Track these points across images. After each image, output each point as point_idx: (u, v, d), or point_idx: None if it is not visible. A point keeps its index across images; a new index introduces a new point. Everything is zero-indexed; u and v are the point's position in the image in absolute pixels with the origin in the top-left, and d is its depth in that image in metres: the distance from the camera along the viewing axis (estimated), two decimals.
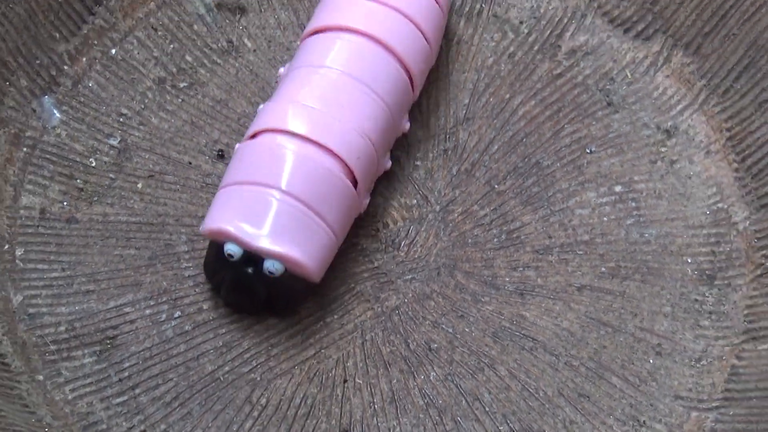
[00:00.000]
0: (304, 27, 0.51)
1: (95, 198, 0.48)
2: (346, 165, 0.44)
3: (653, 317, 0.46)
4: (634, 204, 0.48)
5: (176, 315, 0.45)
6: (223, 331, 0.45)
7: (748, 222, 0.48)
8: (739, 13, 0.50)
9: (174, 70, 0.50)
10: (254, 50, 0.51)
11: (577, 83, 0.51)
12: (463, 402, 0.45)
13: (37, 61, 0.49)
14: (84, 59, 0.50)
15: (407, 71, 0.46)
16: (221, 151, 0.49)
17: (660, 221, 0.48)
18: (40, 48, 0.49)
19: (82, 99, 0.49)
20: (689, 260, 0.47)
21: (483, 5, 0.52)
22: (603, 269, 0.47)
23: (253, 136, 0.44)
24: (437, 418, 0.44)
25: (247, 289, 0.44)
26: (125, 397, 0.44)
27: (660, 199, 0.49)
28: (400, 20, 0.46)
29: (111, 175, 0.48)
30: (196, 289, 0.46)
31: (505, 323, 0.46)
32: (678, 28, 0.51)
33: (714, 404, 0.45)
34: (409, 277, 0.47)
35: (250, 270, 0.43)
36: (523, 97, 0.50)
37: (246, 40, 0.51)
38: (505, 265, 0.47)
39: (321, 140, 0.43)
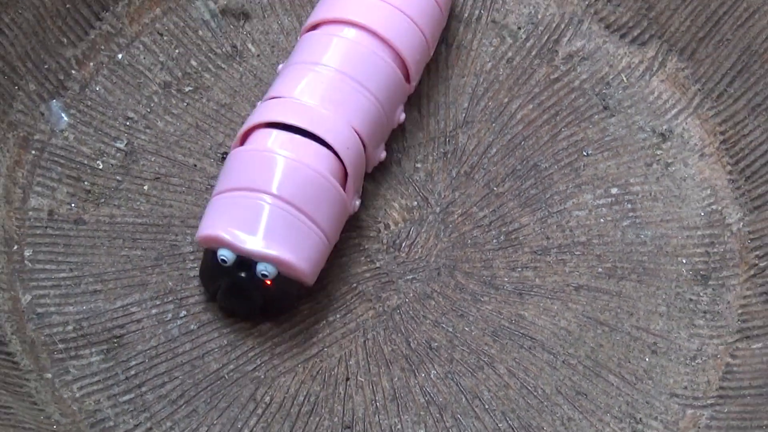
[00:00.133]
0: None
1: (102, 200, 0.48)
2: (336, 156, 0.44)
3: (649, 316, 0.46)
4: (630, 206, 0.49)
5: (182, 314, 0.45)
6: (228, 330, 0.45)
7: (741, 223, 0.48)
8: (733, 19, 0.50)
9: (179, 74, 0.50)
10: (258, 55, 0.51)
11: (574, 87, 0.51)
12: (463, 400, 0.44)
13: (46, 66, 0.49)
14: (91, 64, 0.50)
15: (402, 62, 0.46)
16: (225, 153, 0.49)
17: (655, 222, 0.48)
18: (49, 53, 0.49)
19: (89, 103, 0.49)
20: (684, 261, 0.47)
21: (482, 11, 0.52)
22: (600, 269, 0.47)
23: (246, 133, 0.44)
24: (438, 415, 0.44)
25: (243, 294, 0.44)
26: (132, 395, 0.44)
27: (655, 201, 0.49)
28: (396, 14, 0.46)
29: (118, 178, 0.48)
30: (201, 289, 0.46)
31: (504, 322, 0.46)
32: (673, 34, 0.51)
33: (709, 402, 0.45)
34: (410, 277, 0.47)
35: (243, 274, 0.43)
36: (521, 101, 0.51)
37: (250, 45, 0.51)
38: (504, 266, 0.47)
39: (311, 129, 0.43)
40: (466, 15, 0.52)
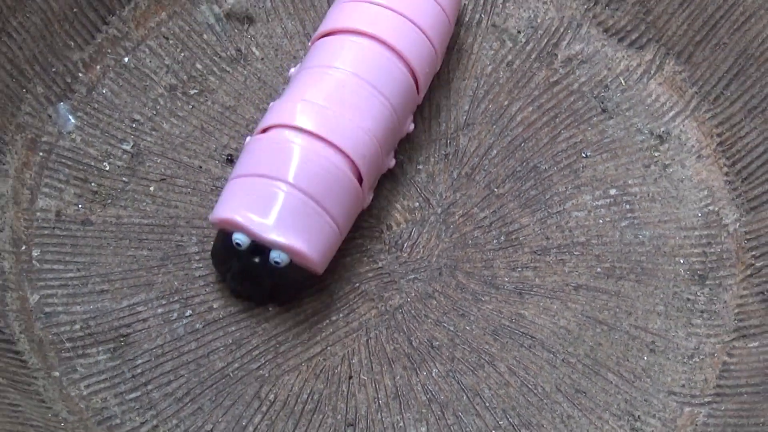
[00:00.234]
0: (310, 36, 0.51)
1: (109, 201, 0.48)
2: (351, 161, 0.44)
3: (647, 316, 0.46)
4: (628, 206, 0.49)
5: (187, 314, 0.45)
6: (233, 329, 0.45)
7: (738, 224, 0.48)
8: (729, 23, 0.50)
9: (185, 77, 0.50)
10: (262, 58, 0.51)
11: (573, 90, 0.51)
12: (465, 397, 0.44)
13: (53, 69, 0.49)
14: (98, 67, 0.50)
15: (413, 74, 0.46)
16: (230, 155, 0.49)
17: (653, 223, 0.48)
18: (56, 56, 0.49)
19: (96, 105, 0.49)
20: (682, 261, 0.47)
21: (482, 15, 0.52)
22: (599, 269, 0.47)
23: (263, 132, 0.44)
24: (439, 413, 0.44)
25: (253, 277, 0.44)
26: (138, 393, 0.44)
27: (653, 202, 0.49)
28: (407, 25, 0.46)
29: (124, 179, 0.48)
30: (207, 289, 0.46)
31: (504, 321, 0.46)
32: (670, 38, 0.51)
33: (706, 399, 0.45)
34: (412, 277, 0.47)
35: (256, 259, 0.43)
36: (521, 104, 0.51)
37: (254, 49, 0.51)
38: (504, 266, 0.47)
39: (328, 137, 0.43)
40: (467, 19, 0.52)
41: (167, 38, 0.51)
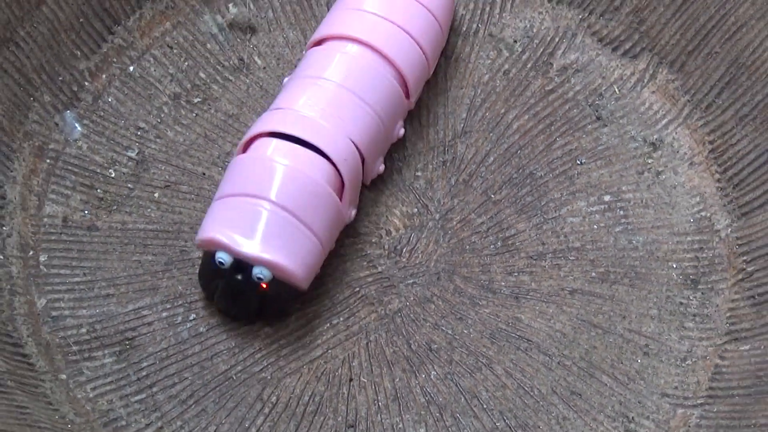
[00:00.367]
0: None
1: (114, 207, 0.48)
2: (333, 166, 0.44)
3: (641, 319, 0.46)
4: (622, 212, 0.49)
5: (191, 317, 0.46)
6: (236, 332, 0.45)
7: (729, 229, 0.48)
8: (721, 33, 0.50)
9: (188, 86, 0.50)
10: (264, 67, 0.51)
11: (568, 99, 0.51)
12: (462, 399, 0.45)
13: (60, 78, 0.49)
14: (104, 76, 0.50)
15: (403, 80, 0.47)
16: None
17: (647, 229, 0.48)
18: (63, 65, 0.49)
19: (101, 113, 0.50)
20: (674, 265, 0.48)
21: (479, 25, 0.52)
22: (593, 274, 0.47)
23: (249, 141, 0.45)
24: (438, 414, 0.44)
25: (239, 296, 0.44)
26: (143, 395, 0.44)
27: (647, 208, 0.49)
28: (398, 33, 0.47)
29: (129, 186, 0.48)
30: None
31: (501, 325, 0.46)
32: (663, 47, 0.51)
33: (699, 401, 0.45)
34: (411, 281, 0.47)
35: (239, 277, 0.43)
36: (517, 112, 0.51)
37: (256, 58, 0.51)
38: (501, 271, 0.47)
39: (311, 140, 0.43)
40: (464, 29, 0.52)
41: (171, 48, 0.51)
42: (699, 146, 0.50)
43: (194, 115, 0.50)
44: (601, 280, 0.47)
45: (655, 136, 0.50)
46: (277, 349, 0.45)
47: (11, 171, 0.47)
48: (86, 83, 0.50)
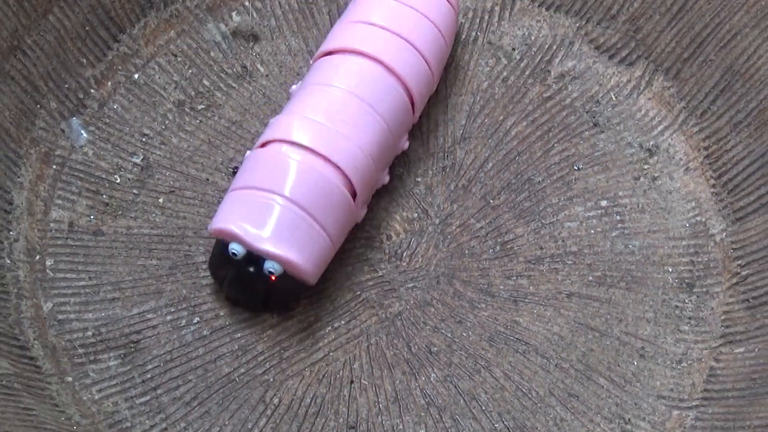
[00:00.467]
0: (313, 53, 0.51)
1: (120, 212, 0.48)
2: (346, 176, 0.44)
3: (637, 322, 0.47)
4: (618, 217, 0.49)
5: (195, 321, 0.46)
6: (239, 335, 0.45)
7: (724, 234, 0.48)
8: (716, 41, 0.50)
9: (192, 93, 0.51)
10: (267, 75, 0.51)
11: (565, 105, 0.51)
12: (462, 401, 0.45)
13: (66, 85, 0.49)
14: (109, 83, 0.50)
15: (409, 95, 0.47)
16: (236, 168, 0.49)
17: (643, 233, 0.48)
18: (69, 73, 0.49)
19: (107, 120, 0.50)
20: (670, 269, 0.48)
21: (478, 33, 0.52)
22: (590, 278, 0.47)
23: (263, 146, 0.45)
24: (437, 416, 0.44)
25: (248, 286, 0.44)
26: (148, 397, 0.44)
27: (643, 213, 0.49)
28: (405, 47, 0.47)
29: (134, 191, 0.48)
30: (214, 297, 0.46)
31: (500, 328, 0.46)
32: (659, 54, 0.51)
33: (694, 403, 0.45)
34: (411, 285, 0.47)
35: (251, 269, 0.43)
36: (515, 119, 0.51)
37: (259, 66, 0.52)
38: (499, 274, 0.47)
39: (323, 151, 0.44)
40: (463, 37, 0.52)
41: (176, 55, 0.51)
42: (694, 152, 0.50)
43: (198, 121, 0.50)
44: (598, 283, 0.47)
45: (651, 142, 0.50)
46: (280, 352, 0.45)
47: (18, 177, 0.48)
48: (92, 90, 0.50)
